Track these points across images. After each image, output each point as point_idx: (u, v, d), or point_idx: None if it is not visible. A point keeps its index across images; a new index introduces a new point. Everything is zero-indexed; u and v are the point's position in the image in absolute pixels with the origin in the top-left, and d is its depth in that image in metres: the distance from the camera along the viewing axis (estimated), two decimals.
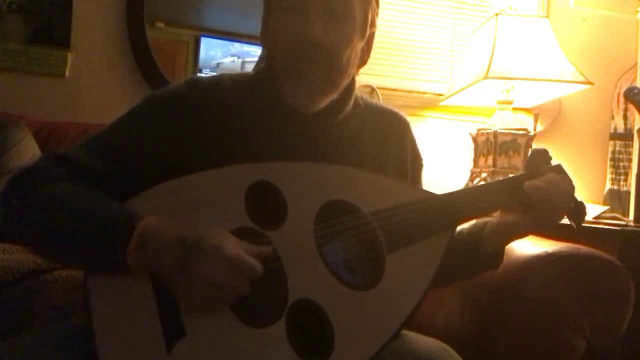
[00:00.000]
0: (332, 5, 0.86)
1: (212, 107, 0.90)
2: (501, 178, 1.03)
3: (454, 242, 0.91)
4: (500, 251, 0.98)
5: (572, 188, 0.96)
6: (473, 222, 0.99)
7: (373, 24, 0.95)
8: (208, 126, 0.88)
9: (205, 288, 0.71)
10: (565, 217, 0.98)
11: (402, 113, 1.05)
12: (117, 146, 0.86)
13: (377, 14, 0.95)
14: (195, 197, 0.81)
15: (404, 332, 0.88)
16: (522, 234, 0.97)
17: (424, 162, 1.07)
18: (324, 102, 0.90)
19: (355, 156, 0.94)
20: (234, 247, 0.72)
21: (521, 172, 1.00)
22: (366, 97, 1.04)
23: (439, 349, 0.86)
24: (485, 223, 0.97)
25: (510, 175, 0.99)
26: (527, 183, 0.93)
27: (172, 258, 0.72)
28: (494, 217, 0.97)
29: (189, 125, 0.88)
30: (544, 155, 1.00)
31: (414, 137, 1.05)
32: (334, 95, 0.91)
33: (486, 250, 0.96)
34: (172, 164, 0.84)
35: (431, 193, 0.93)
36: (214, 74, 1.11)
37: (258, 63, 1.95)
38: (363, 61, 0.96)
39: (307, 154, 0.88)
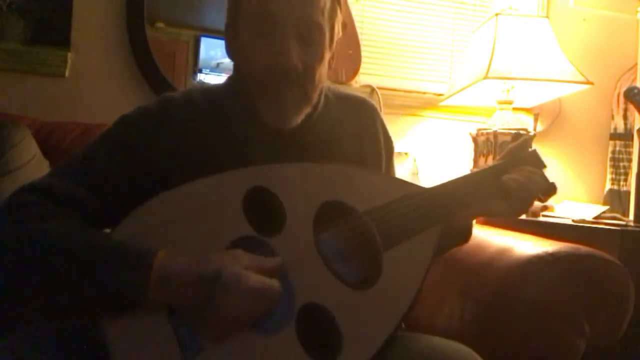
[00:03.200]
0: (304, 29, 0.87)
1: (187, 123, 0.90)
2: (484, 167, 1.08)
3: None
4: (469, 225, 1.04)
5: (544, 179, 0.99)
6: None
7: (338, 32, 0.95)
8: (185, 143, 0.88)
9: (232, 319, 0.73)
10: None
11: (369, 98, 1.07)
12: (99, 171, 0.85)
13: (340, 20, 0.95)
14: (194, 208, 0.81)
15: (428, 336, 0.90)
16: (493, 216, 1.05)
17: (394, 145, 1.09)
18: (300, 119, 0.91)
19: (333, 151, 0.96)
20: (253, 275, 0.74)
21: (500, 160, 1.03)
22: (332, 86, 1.04)
23: (456, 348, 0.86)
24: None
25: (493, 164, 1.03)
26: (505, 175, 0.96)
27: (193, 296, 0.73)
28: None
29: (167, 145, 0.88)
30: (528, 144, 1.04)
31: (384, 121, 1.07)
32: (308, 110, 0.92)
33: (454, 224, 0.97)
34: (154, 184, 0.83)
35: (420, 187, 0.95)
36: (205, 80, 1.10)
37: None
38: (330, 67, 0.97)
39: (285, 159, 0.89)
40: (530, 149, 1.04)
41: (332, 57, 0.96)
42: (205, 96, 0.95)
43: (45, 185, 0.82)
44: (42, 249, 0.75)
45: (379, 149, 1.04)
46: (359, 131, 1.01)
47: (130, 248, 0.75)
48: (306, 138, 0.93)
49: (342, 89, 1.07)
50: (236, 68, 0.97)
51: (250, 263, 0.75)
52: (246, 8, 0.89)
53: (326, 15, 0.89)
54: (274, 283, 0.75)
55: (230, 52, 0.96)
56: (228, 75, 1.00)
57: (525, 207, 0.97)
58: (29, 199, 0.80)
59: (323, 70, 0.92)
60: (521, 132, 1.80)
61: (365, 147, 1.01)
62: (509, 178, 0.95)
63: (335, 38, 0.94)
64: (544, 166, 1.02)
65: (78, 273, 0.74)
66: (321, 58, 0.90)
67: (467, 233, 1.05)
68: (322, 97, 0.97)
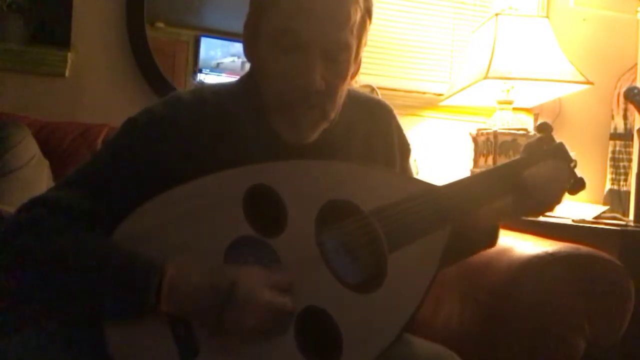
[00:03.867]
0: (331, 49, 0.82)
1: (195, 126, 0.86)
2: (499, 164, 1.01)
3: None
4: (496, 228, 0.98)
5: (570, 174, 0.95)
6: None
7: (365, 43, 0.91)
8: (193, 146, 0.85)
9: (244, 332, 0.74)
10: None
11: (385, 101, 1.04)
12: (106, 180, 0.83)
13: (368, 30, 0.90)
14: (194, 207, 0.80)
15: (410, 337, 0.89)
16: (514, 215, 0.97)
17: (411, 147, 1.06)
18: (316, 135, 0.87)
19: (345, 153, 0.93)
20: (267, 291, 0.74)
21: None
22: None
23: (446, 354, 0.86)
24: None
25: (510, 160, 0.98)
26: (527, 172, 0.90)
27: (205, 308, 0.73)
28: None
29: (175, 149, 0.85)
30: (549, 137, 0.98)
31: (399, 123, 1.03)
32: (325, 126, 0.89)
33: (474, 225, 0.93)
34: (162, 188, 0.81)
35: (430, 184, 0.90)
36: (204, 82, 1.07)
37: None
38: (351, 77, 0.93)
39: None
40: (556, 142, 0.97)
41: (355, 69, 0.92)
42: (216, 97, 0.90)
43: (53, 198, 0.81)
44: (54, 268, 0.76)
45: (392, 152, 1.00)
46: (370, 132, 0.97)
47: (138, 265, 0.75)
48: (316, 144, 0.89)
49: (358, 91, 1.02)
50: (252, 72, 0.92)
51: (265, 279, 0.75)
52: (271, 19, 0.83)
53: (355, 32, 0.84)
54: (286, 300, 0.75)
55: (248, 54, 0.91)
56: (242, 75, 0.96)
57: (546, 205, 0.92)
58: (38, 213, 0.79)
59: (345, 87, 0.88)
60: (520, 131, 1.80)
61: (377, 149, 0.97)
62: (528, 174, 0.90)
63: (362, 49, 0.90)
64: (572, 160, 0.96)
65: (89, 290, 0.75)
66: (345, 76, 0.86)
67: (492, 236, 0.99)
68: (340, 110, 0.93)
